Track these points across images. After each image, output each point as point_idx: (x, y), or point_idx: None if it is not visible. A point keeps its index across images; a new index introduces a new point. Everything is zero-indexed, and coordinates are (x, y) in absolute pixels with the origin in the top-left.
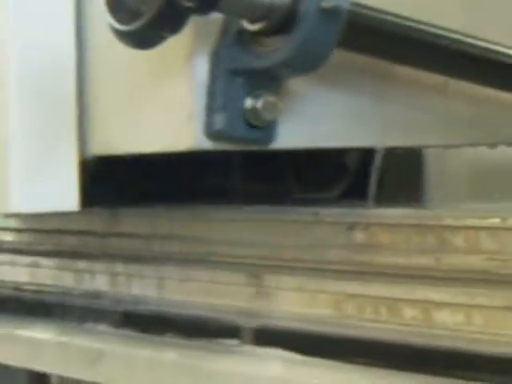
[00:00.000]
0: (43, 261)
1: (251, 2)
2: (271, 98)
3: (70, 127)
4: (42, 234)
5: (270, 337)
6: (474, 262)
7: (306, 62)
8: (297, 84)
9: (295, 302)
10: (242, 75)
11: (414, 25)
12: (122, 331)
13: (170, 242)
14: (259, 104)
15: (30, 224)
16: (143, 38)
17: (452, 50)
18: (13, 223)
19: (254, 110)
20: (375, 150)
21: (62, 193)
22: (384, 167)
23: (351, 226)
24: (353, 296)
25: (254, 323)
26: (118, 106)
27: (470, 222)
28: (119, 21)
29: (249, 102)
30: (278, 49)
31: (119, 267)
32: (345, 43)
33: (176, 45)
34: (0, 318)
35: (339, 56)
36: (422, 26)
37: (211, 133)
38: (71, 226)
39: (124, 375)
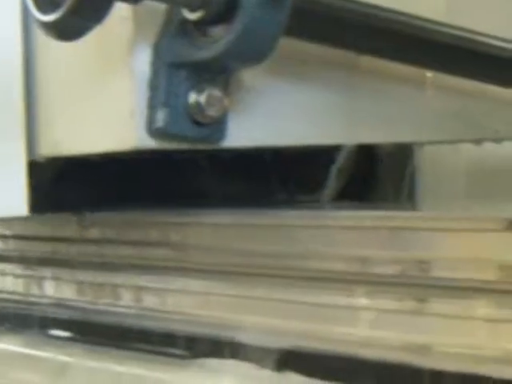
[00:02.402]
0: (8, 268)
1: None
2: (216, 93)
3: (18, 128)
4: (8, 240)
5: None
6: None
7: (250, 52)
8: (251, 78)
9: None
10: (185, 68)
11: (368, 10)
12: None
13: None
14: (203, 98)
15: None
16: (66, 28)
17: (407, 35)
18: None
19: (197, 105)
20: (343, 147)
21: (10, 196)
22: (374, 166)
23: None
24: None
25: None
26: (64, 105)
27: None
28: (43, 12)
29: (192, 97)
30: (219, 39)
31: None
32: (293, 32)
33: (116, 37)
34: None
35: (296, 47)
36: (378, 11)
37: (153, 131)
38: (38, 231)
39: None
